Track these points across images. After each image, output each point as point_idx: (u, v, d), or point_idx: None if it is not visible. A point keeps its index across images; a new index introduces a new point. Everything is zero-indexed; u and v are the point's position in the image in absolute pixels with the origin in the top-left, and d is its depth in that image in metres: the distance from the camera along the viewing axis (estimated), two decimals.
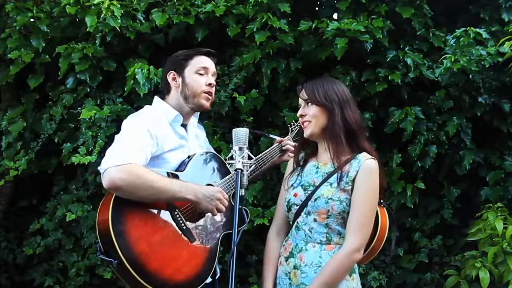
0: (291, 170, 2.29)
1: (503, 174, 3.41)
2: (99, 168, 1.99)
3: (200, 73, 2.28)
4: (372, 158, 2.11)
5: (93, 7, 3.25)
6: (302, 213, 2.14)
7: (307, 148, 2.30)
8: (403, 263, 3.52)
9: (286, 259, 2.15)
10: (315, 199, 2.10)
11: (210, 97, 2.31)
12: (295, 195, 2.17)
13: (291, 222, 2.21)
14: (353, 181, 2.08)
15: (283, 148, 2.51)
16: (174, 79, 2.28)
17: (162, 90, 2.35)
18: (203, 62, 2.30)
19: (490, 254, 3.02)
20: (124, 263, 1.87)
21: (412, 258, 3.52)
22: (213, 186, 2.20)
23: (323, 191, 2.10)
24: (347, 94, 2.19)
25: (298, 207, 2.14)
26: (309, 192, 2.13)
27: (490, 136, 3.58)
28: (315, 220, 2.10)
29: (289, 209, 2.18)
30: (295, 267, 2.11)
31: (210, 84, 2.30)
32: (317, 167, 2.19)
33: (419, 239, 3.50)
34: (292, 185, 2.22)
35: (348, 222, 2.07)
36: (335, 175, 2.10)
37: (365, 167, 2.08)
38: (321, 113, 2.15)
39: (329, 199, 2.08)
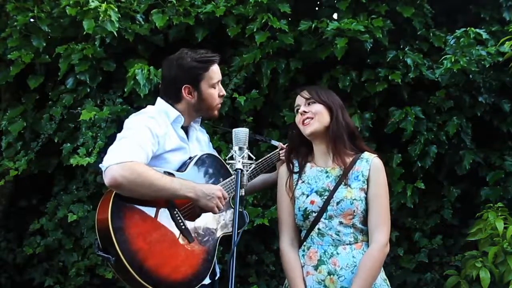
0: (287, 177, 2.26)
1: (503, 174, 3.41)
2: (100, 165, 1.99)
3: (215, 86, 2.28)
4: (376, 156, 2.20)
5: (91, 11, 3.23)
6: (322, 219, 2.14)
7: (298, 155, 2.29)
8: (403, 263, 3.51)
9: (316, 267, 2.13)
10: (337, 203, 2.12)
11: (220, 106, 2.34)
12: (312, 202, 2.16)
13: (305, 230, 2.20)
14: (367, 179, 2.14)
15: (280, 157, 2.50)
16: (190, 93, 2.24)
17: (167, 95, 2.27)
18: (217, 75, 2.27)
19: (491, 254, 3.01)
20: (121, 259, 1.87)
21: (412, 258, 3.51)
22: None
23: (344, 193, 2.12)
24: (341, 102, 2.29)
25: (316, 213, 2.14)
26: (325, 197, 2.14)
27: (490, 136, 3.57)
28: (341, 223, 2.12)
29: (306, 217, 2.17)
30: (329, 273, 2.10)
31: (222, 95, 2.32)
32: (326, 172, 2.20)
33: (419, 239, 3.50)
34: (302, 193, 2.20)
35: (371, 218, 2.12)
36: (350, 175, 2.14)
37: (375, 164, 2.17)
38: (324, 111, 2.20)
39: (353, 199, 2.11)
